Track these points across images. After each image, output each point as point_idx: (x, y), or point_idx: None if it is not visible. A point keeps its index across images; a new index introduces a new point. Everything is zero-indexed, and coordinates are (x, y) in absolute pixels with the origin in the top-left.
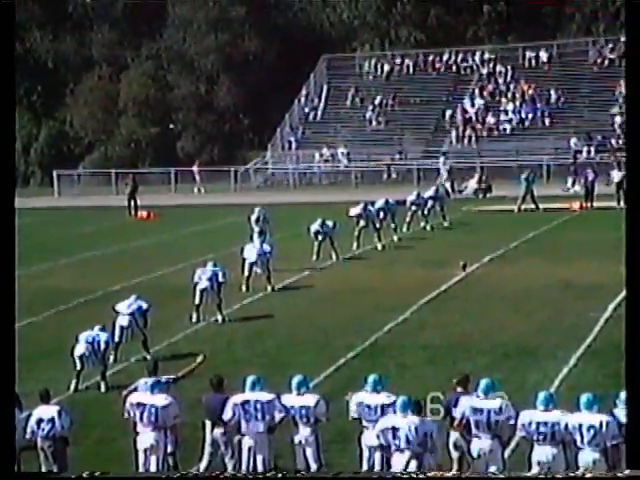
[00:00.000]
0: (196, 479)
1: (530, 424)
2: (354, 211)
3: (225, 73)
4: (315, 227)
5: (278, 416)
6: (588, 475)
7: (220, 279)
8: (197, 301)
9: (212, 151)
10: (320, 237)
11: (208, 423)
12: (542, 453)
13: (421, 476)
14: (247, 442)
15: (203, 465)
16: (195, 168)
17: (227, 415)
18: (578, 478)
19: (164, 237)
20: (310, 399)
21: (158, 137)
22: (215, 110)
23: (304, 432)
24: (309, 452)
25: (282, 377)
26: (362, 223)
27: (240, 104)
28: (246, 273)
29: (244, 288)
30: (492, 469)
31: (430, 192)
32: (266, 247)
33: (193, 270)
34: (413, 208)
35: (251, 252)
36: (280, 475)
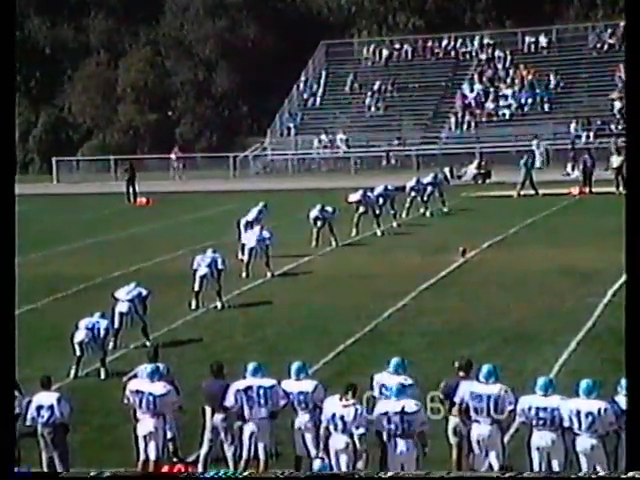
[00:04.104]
0: (198, 479)
1: (529, 409)
2: (353, 197)
3: (223, 59)
4: (314, 213)
5: (281, 402)
6: (587, 475)
7: (219, 266)
8: (197, 288)
9: (211, 138)
10: (319, 223)
11: (208, 409)
12: (541, 438)
13: (421, 476)
14: (249, 428)
15: (203, 451)
16: (173, 155)
17: (229, 401)
18: (578, 478)
19: (163, 224)
20: (308, 385)
21: (156, 124)
22: (213, 96)
23: (303, 418)
24: (308, 438)
25: (281, 364)
26: (361, 209)
27: (239, 90)
28: (246, 258)
29: (244, 274)
30: (491, 454)
31: (429, 178)
32: (265, 233)
33: (192, 257)
34: (412, 194)
35: (251, 238)
36: (280, 475)
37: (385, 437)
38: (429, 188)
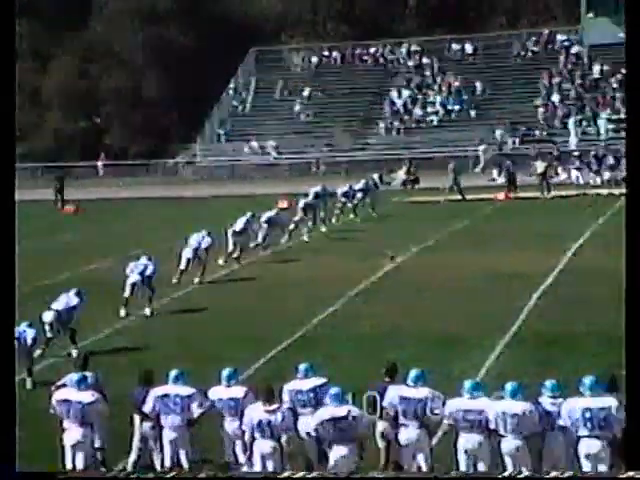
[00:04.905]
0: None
1: (457, 412)
2: (282, 204)
3: (154, 66)
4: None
5: (197, 411)
6: (587, 475)
7: (149, 272)
8: (127, 294)
9: (141, 144)
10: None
11: (137, 417)
12: (468, 441)
13: (422, 476)
14: (168, 435)
15: (131, 459)
16: (100, 163)
17: (147, 408)
18: (579, 478)
19: (91, 231)
20: (239, 391)
21: (85, 131)
22: (144, 103)
23: (233, 424)
24: (238, 444)
25: (212, 370)
26: (299, 216)
27: (169, 97)
28: (182, 266)
29: (175, 280)
30: (419, 458)
31: (360, 184)
32: (207, 240)
33: (125, 264)
34: (343, 200)
35: (191, 244)
36: (279, 475)
37: (326, 443)
38: (359, 194)
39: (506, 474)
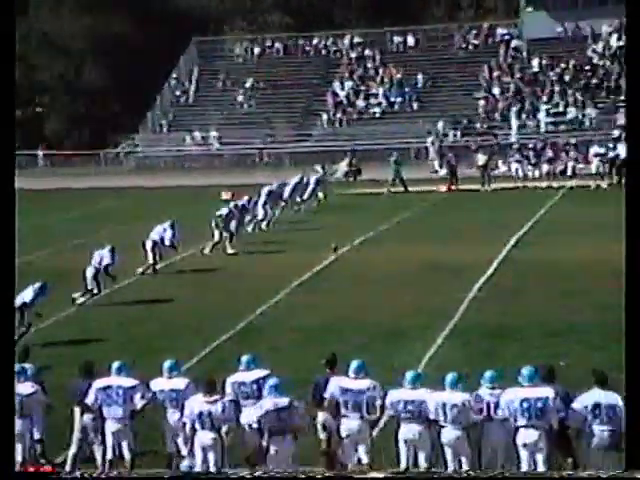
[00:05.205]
0: (197, 479)
1: (398, 403)
2: (227, 196)
3: (94, 55)
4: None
5: (140, 402)
6: (587, 474)
7: (106, 262)
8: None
9: (82, 134)
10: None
11: (77, 410)
12: (408, 431)
13: (422, 476)
14: (110, 427)
15: (72, 452)
16: (40, 152)
17: (90, 400)
18: (579, 478)
19: (32, 221)
20: (180, 383)
21: (25, 119)
22: (85, 92)
23: (174, 416)
24: (179, 437)
25: (154, 362)
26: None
27: (110, 86)
28: (150, 255)
29: (140, 270)
30: (360, 449)
31: (296, 178)
32: (170, 231)
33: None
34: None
35: (154, 235)
36: (278, 475)
37: (267, 434)
38: (300, 187)
39: (513, 474)
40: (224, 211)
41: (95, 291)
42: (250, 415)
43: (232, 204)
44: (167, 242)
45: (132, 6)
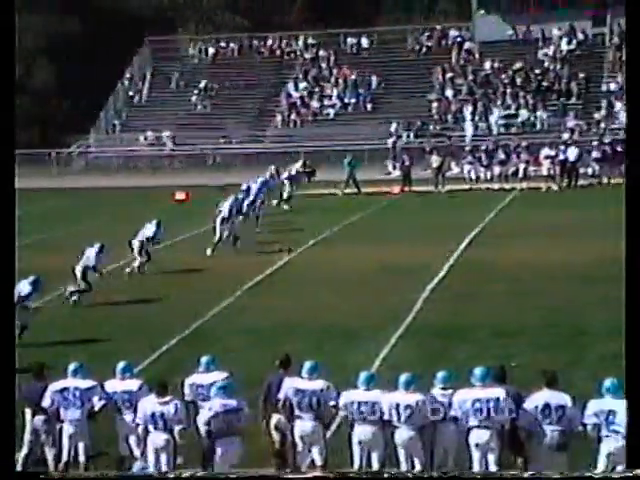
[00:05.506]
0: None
1: (352, 404)
2: (180, 196)
3: (43, 53)
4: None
5: (98, 404)
6: (587, 475)
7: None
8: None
9: (31, 133)
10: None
11: (28, 411)
12: (362, 432)
13: (422, 476)
14: (67, 429)
15: (23, 454)
16: None
17: (46, 402)
18: (579, 478)
19: None
20: (133, 384)
21: None
22: (34, 92)
23: (127, 417)
24: (132, 437)
25: (107, 364)
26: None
27: (60, 86)
28: (137, 254)
29: (127, 269)
30: (314, 450)
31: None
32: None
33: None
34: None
35: (141, 235)
36: (278, 475)
37: (214, 435)
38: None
39: (513, 474)
40: (225, 212)
41: (87, 289)
42: (200, 417)
43: (231, 200)
44: (155, 241)
45: (83, 5)
